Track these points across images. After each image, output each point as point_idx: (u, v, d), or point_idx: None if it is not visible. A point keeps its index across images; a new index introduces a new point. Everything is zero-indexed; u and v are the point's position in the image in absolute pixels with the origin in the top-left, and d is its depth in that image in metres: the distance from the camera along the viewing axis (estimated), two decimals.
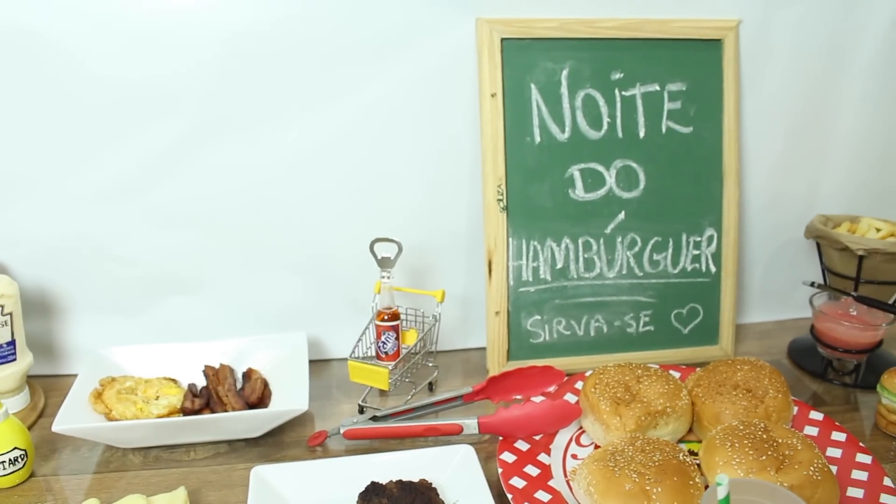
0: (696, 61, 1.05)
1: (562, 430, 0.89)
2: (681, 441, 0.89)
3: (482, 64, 0.99)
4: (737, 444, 0.77)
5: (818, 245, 1.12)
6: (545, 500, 0.76)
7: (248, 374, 0.98)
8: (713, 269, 1.10)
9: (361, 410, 0.97)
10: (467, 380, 1.05)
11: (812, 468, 0.73)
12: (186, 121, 0.97)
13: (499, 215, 1.03)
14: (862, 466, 0.81)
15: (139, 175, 0.99)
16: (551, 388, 0.96)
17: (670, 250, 1.09)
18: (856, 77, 1.12)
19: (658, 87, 1.04)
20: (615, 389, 0.88)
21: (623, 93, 1.04)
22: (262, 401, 0.94)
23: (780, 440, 0.77)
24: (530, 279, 1.05)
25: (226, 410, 0.91)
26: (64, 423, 0.83)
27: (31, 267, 1.01)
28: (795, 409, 0.91)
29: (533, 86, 1.01)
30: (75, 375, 0.93)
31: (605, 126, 1.04)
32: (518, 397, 0.95)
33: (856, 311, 1.06)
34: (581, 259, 1.06)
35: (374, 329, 0.98)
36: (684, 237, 1.09)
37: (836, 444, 0.85)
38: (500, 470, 0.80)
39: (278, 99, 0.99)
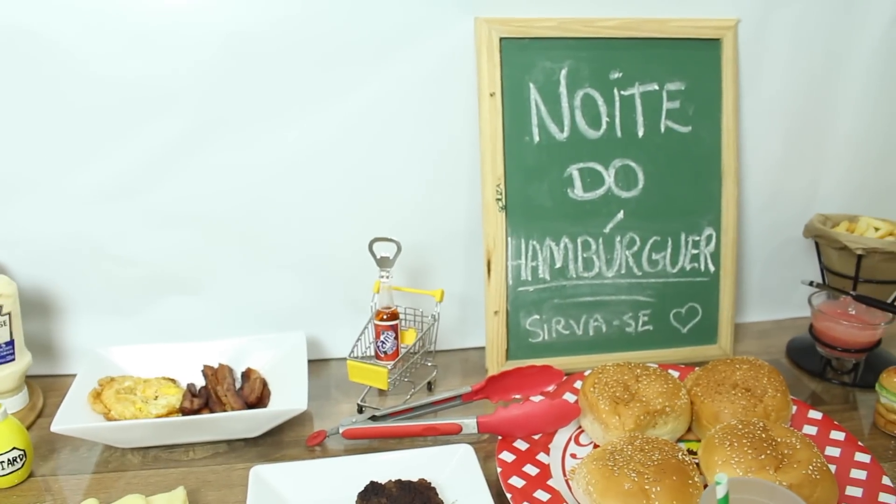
0: (695, 61, 1.05)
1: (561, 430, 0.89)
2: (680, 440, 0.89)
3: (481, 63, 0.99)
4: (736, 444, 0.77)
5: (817, 244, 1.12)
6: (544, 499, 0.76)
7: (246, 374, 0.98)
8: (712, 268, 1.10)
9: (360, 410, 0.97)
10: (466, 379, 1.05)
11: (811, 467, 0.73)
12: (186, 121, 0.97)
13: (498, 215, 1.03)
14: (861, 465, 0.81)
15: (138, 175, 0.99)
16: (550, 388, 0.96)
17: (669, 250, 1.09)
18: (855, 76, 1.12)
19: (657, 87, 1.04)
20: (614, 389, 0.88)
21: (622, 92, 1.04)
22: (261, 400, 0.94)
23: (778, 439, 0.77)
24: (529, 279, 1.05)
25: (225, 410, 0.91)
26: (63, 423, 0.82)
27: (30, 267, 1.01)
28: (794, 408, 0.91)
29: (532, 85, 1.01)
30: (74, 375, 0.93)
31: (604, 125, 1.04)
32: (517, 397, 0.95)
33: (854, 311, 1.06)
34: (580, 258, 1.06)
35: (373, 329, 0.98)
36: (683, 236, 1.09)
37: (835, 443, 0.85)
38: (499, 469, 0.80)
39: (277, 99, 0.99)
